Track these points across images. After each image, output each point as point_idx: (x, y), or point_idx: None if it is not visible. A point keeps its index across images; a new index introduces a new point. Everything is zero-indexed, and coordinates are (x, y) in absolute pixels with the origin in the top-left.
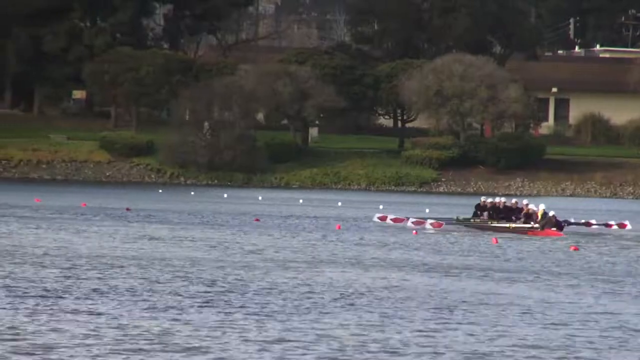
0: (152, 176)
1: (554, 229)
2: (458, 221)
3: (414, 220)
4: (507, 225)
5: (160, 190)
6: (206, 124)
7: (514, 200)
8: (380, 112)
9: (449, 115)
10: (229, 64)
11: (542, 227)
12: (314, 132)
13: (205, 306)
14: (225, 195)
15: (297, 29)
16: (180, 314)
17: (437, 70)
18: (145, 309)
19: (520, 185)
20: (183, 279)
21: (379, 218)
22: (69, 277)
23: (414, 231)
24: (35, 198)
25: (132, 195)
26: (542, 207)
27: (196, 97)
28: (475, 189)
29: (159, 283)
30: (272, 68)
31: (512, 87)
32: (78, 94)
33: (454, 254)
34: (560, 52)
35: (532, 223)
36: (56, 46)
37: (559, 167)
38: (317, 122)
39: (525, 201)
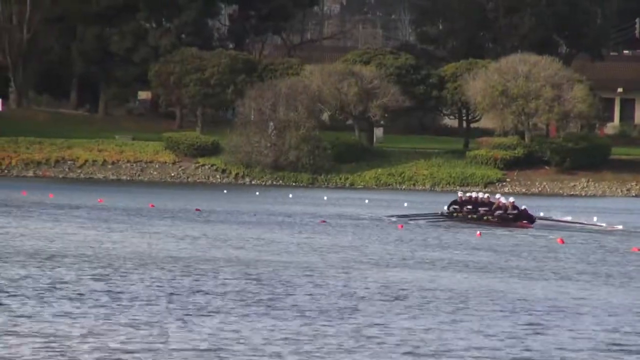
0: (217, 176)
1: (525, 221)
2: (442, 215)
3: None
4: (485, 218)
5: (225, 191)
6: (271, 124)
7: (486, 195)
8: (445, 112)
9: (514, 116)
10: (294, 64)
11: (515, 220)
12: (378, 132)
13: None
14: (291, 196)
15: (362, 28)
16: (273, 315)
17: (502, 70)
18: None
19: (585, 185)
20: (265, 281)
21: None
22: (168, 279)
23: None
24: (99, 199)
25: (198, 195)
26: (511, 199)
27: (261, 97)
28: (540, 189)
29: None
30: (337, 68)
31: (578, 87)
32: (143, 94)
33: (520, 255)
34: (625, 52)
35: (504, 215)
36: (122, 47)
37: (624, 168)
38: (382, 122)
39: (497, 195)
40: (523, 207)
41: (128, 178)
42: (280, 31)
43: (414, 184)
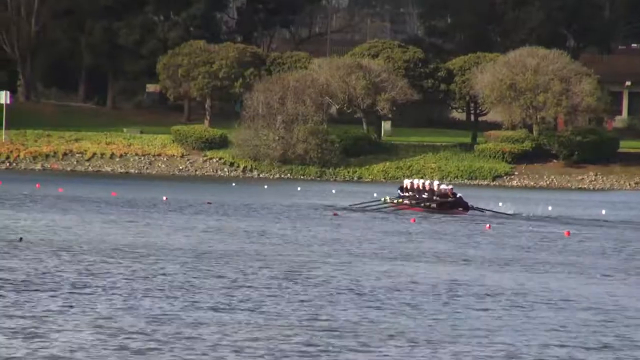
0: (225, 170)
1: (461, 208)
2: (385, 202)
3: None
4: (424, 204)
5: (233, 184)
6: (279, 117)
7: (427, 182)
8: (453, 105)
9: (522, 109)
10: (302, 57)
11: (451, 206)
12: (387, 125)
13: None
14: (299, 189)
15: (370, 22)
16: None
17: (510, 64)
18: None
19: (593, 179)
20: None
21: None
22: (205, 271)
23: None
24: (112, 192)
25: (207, 188)
26: (449, 187)
27: (269, 91)
28: (548, 182)
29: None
30: (345, 62)
31: (586, 81)
32: (152, 87)
33: (528, 249)
34: (634, 45)
35: (442, 201)
36: (130, 40)
37: (632, 161)
38: (390, 115)
39: (436, 182)
40: (459, 195)
41: (136, 171)
42: (288, 24)
43: (422, 177)
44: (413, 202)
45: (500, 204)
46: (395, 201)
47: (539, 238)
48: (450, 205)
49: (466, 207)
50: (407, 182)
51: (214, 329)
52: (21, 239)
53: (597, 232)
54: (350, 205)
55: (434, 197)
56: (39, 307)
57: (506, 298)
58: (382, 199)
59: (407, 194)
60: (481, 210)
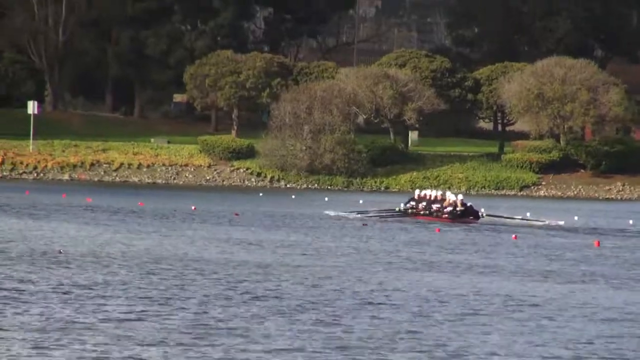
0: (252, 180)
1: (471, 217)
2: (399, 212)
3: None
4: (435, 213)
5: (261, 194)
6: (306, 127)
7: (439, 193)
8: (480, 115)
9: (550, 119)
10: (329, 67)
11: (461, 215)
12: (414, 135)
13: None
14: (327, 199)
15: (397, 32)
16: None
17: (537, 74)
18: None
19: (620, 189)
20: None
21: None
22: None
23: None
24: (139, 202)
25: (234, 199)
26: (460, 197)
27: (296, 101)
28: (575, 192)
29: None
30: (372, 71)
31: (613, 91)
32: (179, 97)
33: (564, 259)
34: None
35: (454, 211)
36: (157, 50)
37: None
38: (417, 125)
39: (447, 193)
40: (469, 204)
41: (163, 181)
42: (315, 34)
43: (449, 187)
44: (425, 211)
45: (528, 213)
46: (408, 210)
47: (568, 248)
48: (460, 214)
49: (476, 216)
50: (418, 192)
51: (240, 340)
52: (60, 251)
53: (627, 243)
54: (361, 213)
55: (445, 207)
56: (103, 314)
57: (542, 309)
58: (397, 209)
59: (419, 204)
60: (491, 215)
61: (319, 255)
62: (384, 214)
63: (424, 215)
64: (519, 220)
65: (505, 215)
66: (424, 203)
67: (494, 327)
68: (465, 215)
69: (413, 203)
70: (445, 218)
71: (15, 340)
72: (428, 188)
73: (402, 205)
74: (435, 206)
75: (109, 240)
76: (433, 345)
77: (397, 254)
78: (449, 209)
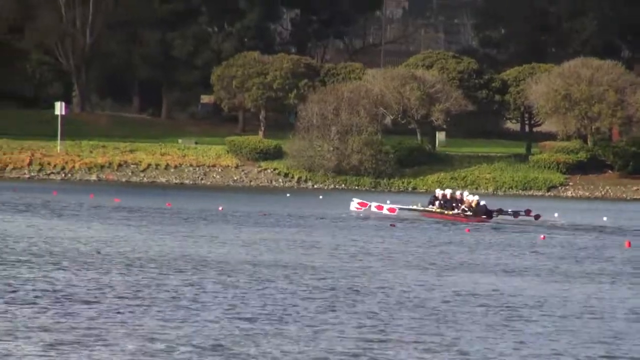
0: (280, 180)
1: (484, 216)
2: (415, 209)
3: (376, 205)
4: (448, 212)
5: (288, 195)
6: (334, 128)
7: (458, 192)
8: (507, 116)
9: (577, 120)
10: (356, 68)
11: (475, 214)
12: (441, 136)
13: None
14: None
15: (424, 33)
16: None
17: (564, 75)
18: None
19: None
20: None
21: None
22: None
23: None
24: (167, 203)
25: (262, 199)
26: (475, 197)
27: (323, 102)
28: (603, 193)
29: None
30: (400, 72)
31: None
32: (206, 98)
33: (586, 260)
34: None
35: (467, 210)
36: (184, 51)
37: None
38: (444, 126)
39: (465, 192)
40: (482, 204)
41: (191, 182)
42: (342, 35)
43: (476, 188)
44: (441, 210)
45: (556, 214)
46: (424, 209)
47: (599, 247)
48: (474, 212)
49: (490, 215)
50: (439, 192)
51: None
52: (99, 251)
53: None
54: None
55: (460, 206)
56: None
57: (579, 310)
58: (414, 207)
59: (437, 202)
60: (505, 213)
61: (351, 255)
62: (401, 210)
63: (440, 213)
64: (525, 218)
65: (510, 212)
66: (442, 202)
67: (530, 328)
68: (479, 213)
69: (434, 202)
70: (460, 217)
71: (55, 341)
72: (456, 189)
73: (425, 203)
74: (451, 205)
75: (142, 241)
76: (473, 346)
77: (427, 254)
78: (464, 207)
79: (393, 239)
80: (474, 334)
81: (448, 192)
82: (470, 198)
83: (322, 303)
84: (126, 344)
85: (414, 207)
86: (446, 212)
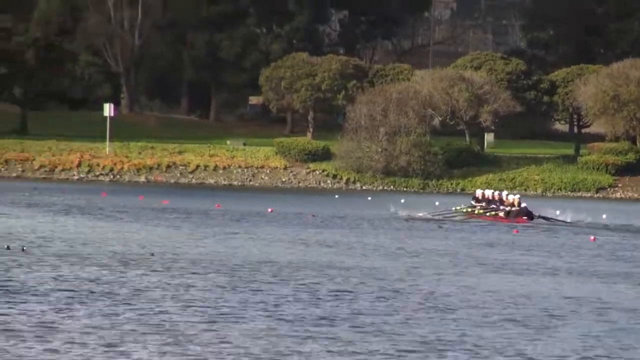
0: (328, 182)
1: (525, 217)
2: (456, 211)
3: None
4: (490, 213)
5: (336, 196)
6: (382, 129)
7: (497, 192)
8: (555, 117)
9: (626, 121)
10: (405, 69)
11: (516, 215)
12: (489, 137)
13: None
14: (403, 201)
15: (472, 34)
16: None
17: (613, 76)
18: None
19: None
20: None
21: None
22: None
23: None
24: (216, 204)
25: (310, 200)
26: (516, 197)
27: (372, 103)
28: None
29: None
30: (448, 73)
31: None
32: (254, 99)
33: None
34: None
35: (509, 211)
36: (232, 52)
37: None
38: (492, 127)
39: (504, 192)
40: (524, 205)
41: (239, 183)
42: (390, 36)
43: (525, 189)
44: (482, 211)
45: (604, 215)
46: (465, 210)
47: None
48: (515, 214)
49: (531, 216)
50: (479, 192)
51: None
52: (153, 254)
53: None
54: (409, 215)
55: (502, 207)
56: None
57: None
58: (454, 208)
59: (478, 204)
60: (546, 219)
61: (396, 255)
62: (443, 214)
63: (481, 214)
64: (569, 222)
65: (555, 218)
66: (483, 203)
67: (578, 330)
68: (520, 215)
69: (475, 203)
70: (501, 217)
71: (118, 341)
72: (495, 189)
73: (462, 205)
74: (492, 206)
75: (196, 242)
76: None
77: (479, 256)
78: (505, 208)
79: (449, 241)
80: (528, 334)
81: (489, 192)
82: (511, 198)
83: (362, 304)
84: (201, 341)
85: (456, 208)
86: (488, 213)
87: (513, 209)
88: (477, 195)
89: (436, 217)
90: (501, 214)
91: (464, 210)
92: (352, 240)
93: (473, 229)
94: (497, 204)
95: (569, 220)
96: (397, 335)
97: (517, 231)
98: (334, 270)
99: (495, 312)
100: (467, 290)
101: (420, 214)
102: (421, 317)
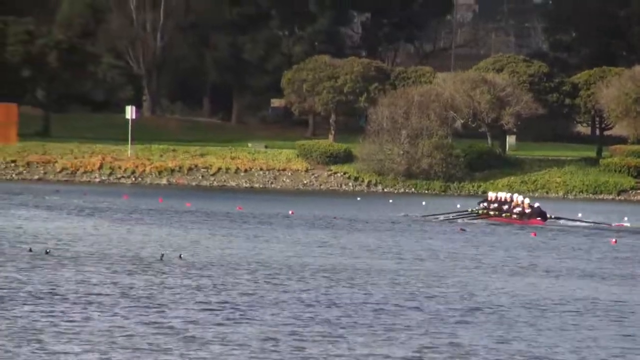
0: (350, 184)
1: (539, 218)
2: (471, 213)
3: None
4: (505, 214)
5: (358, 198)
6: (404, 132)
7: (508, 195)
8: (578, 119)
9: None
10: (427, 72)
11: (529, 217)
12: (511, 140)
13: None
14: (424, 203)
15: (494, 36)
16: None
17: (635, 78)
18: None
19: None
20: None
21: None
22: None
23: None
24: (238, 206)
25: (332, 203)
26: (527, 200)
27: (394, 105)
28: None
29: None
30: (470, 76)
31: None
32: (276, 102)
33: None
34: None
35: (522, 212)
36: (255, 55)
37: None
38: (514, 129)
39: (515, 194)
40: (537, 205)
41: (261, 186)
42: (412, 39)
43: (547, 192)
44: (495, 213)
45: (626, 217)
46: (478, 212)
47: None
48: (528, 215)
49: (544, 218)
50: (491, 195)
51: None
52: (181, 255)
53: None
54: (424, 216)
55: (513, 208)
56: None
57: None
58: (468, 210)
59: (491, 206)
60: (559, 218)
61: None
62: (456, 216)
63: (494, 216)
64: (585, 223)
65: (569, 217)
66: (496, 205)
67: (600, 332)
68: (533, 216)
69: (485, 204)
70: (514, 219)
71: (141, 343)
72: (507, 192)
73: (477, 206)
74: (505, 207)
75: (226, 245)
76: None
77: (499, 259)
78: (518, 210)
79: (459, 243)
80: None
81: (501, 195)
82: (520, 199)
83: (383, 307)
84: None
85: (471, 209)
86: (503, 214)
87: (526, 210)
88: (488, 198)
89: (451, 218)
90: (515, 215)
91: (479, 211)
92: (370, 242)
93: (490, 231)
94: (509, 205)
95: (587, 221)
96: (421, 338)
97: (535, 234)
98: (358, 272)
99: (520, 315)
100: (503, 294)
101: (438, 215)
102: (453, 320)
